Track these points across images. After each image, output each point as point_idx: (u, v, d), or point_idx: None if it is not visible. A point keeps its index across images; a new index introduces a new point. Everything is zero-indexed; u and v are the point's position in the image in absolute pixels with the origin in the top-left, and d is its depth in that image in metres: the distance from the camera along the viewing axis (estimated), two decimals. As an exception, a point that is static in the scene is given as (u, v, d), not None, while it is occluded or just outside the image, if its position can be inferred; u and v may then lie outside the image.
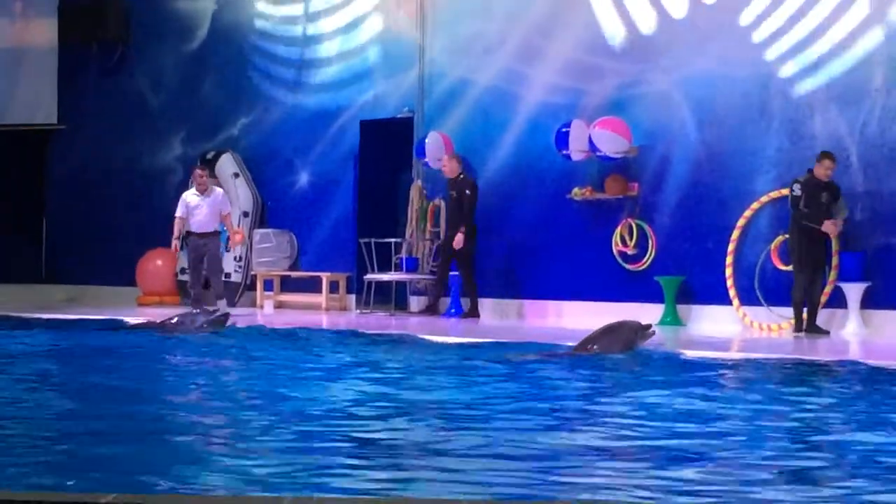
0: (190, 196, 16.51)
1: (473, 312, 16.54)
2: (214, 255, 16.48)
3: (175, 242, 16.45)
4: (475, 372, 9.54)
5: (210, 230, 16.42)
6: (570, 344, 11.12)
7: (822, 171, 13.71)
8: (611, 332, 10.96)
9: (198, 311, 14.54)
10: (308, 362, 10.22)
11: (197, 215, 16.31)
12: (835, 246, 14.05)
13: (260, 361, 10.42)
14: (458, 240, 16.37)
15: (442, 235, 17.32)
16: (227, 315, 13.95)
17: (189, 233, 16.46)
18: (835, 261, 14.10)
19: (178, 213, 16.37)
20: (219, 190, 16.85)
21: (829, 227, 13.62)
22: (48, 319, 15.11)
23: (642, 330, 11.02)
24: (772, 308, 14.54)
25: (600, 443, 6.20)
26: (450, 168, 16.72)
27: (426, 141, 17.19)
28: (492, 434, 6.41)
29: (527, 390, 8.44)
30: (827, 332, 13.62)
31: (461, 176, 16.67)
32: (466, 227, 16.39)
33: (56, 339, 12.45)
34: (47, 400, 7.87)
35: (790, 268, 14.11)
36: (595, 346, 10.75)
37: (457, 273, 16.80)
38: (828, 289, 14.11)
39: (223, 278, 17.14)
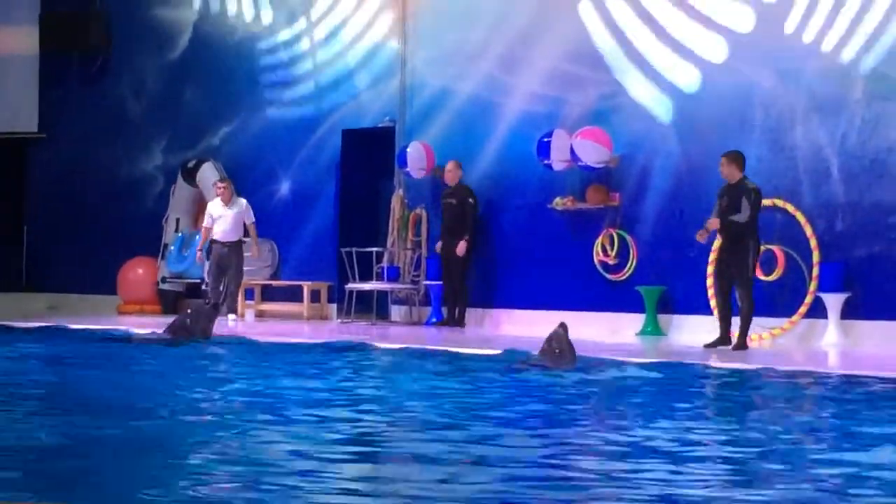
0: (214, 206, 16.88)
1: (460, 321, 16.49)
2: (238, 265, 16.79)
3: (199, 253, 17.03)
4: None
5: (234, 239, 16.79)
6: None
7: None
8: (553, 343, 11.06)
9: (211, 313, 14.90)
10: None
11: (221, 224, 16.74)
12: (815, 258, 14.07)
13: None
14: (462, 247, 16.37)
15: (424, 243, 17.35)
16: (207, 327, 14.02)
17: (213, 241, 16.79)
18: (815, 271, 14.13)
19: (205, 223, 16.93)
20: (242, 200, 17.13)
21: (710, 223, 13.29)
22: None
23: (564, 330, 11.13)
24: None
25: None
26: (454, 175, 16.70)
27: (408, 150, 17.17)
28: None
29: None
30: (725, 345, 13.25)
31: (460, 184, 16.69)
32: (471, 235, 16.41)
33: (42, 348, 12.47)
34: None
35: (770, 278, 14.12)
36: (548, 361, 10.87)
37: (440, 282, 16.82)
38: (808, 299, 14.15)
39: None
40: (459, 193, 16.63)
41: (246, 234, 17.01)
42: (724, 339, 13.33)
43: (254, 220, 17.05)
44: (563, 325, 11.24)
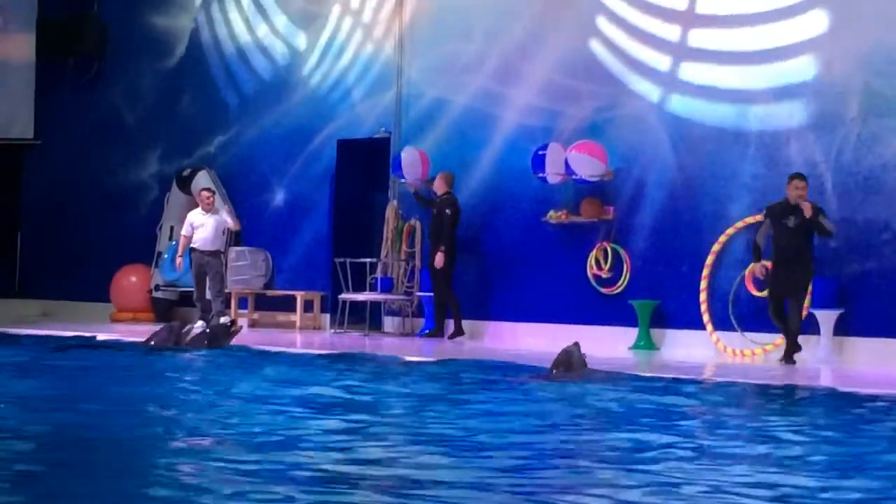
0: (195, 215, 16.88)
1: (458, 331, 16.35)
2: (217, 273, 16.78)
3: (179, 259, 16.99)
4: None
5: (213, 248, 16.76)
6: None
7: (791, 192, 13.44)
8: (569, 357, 11.35)
9: (206, 324, 15.08)
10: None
11: (201, 233, 16.71)
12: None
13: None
14: (438, 259, 16.28)
15: (418, 254, 17.36)
16: (230, 329, 14.40)
17: (192, 249, 16.75)
18: (808, 287, 14.11)
19: (184, 231, 16.89)
20: (224, 210, 17.10)
21: (756, 269, 13.67)
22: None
23: (578, 349, 11.46)
24: (745, 333, 14.55)
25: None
26: (437, 185, 16.65)
27: (402, 155, 17.06)
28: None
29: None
30: (790, 363, 13.39)
31: (446, 195, 16.62)
32: (445, 246, 16.31)
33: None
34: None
35: (764, 294, 14.10)
36: (561, 371, 11.20)
37: (431, 294, 16.78)
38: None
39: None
40: (441, 204, 16.58)
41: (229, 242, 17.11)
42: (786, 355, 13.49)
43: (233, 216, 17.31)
44: (576, 345, 11.48)
